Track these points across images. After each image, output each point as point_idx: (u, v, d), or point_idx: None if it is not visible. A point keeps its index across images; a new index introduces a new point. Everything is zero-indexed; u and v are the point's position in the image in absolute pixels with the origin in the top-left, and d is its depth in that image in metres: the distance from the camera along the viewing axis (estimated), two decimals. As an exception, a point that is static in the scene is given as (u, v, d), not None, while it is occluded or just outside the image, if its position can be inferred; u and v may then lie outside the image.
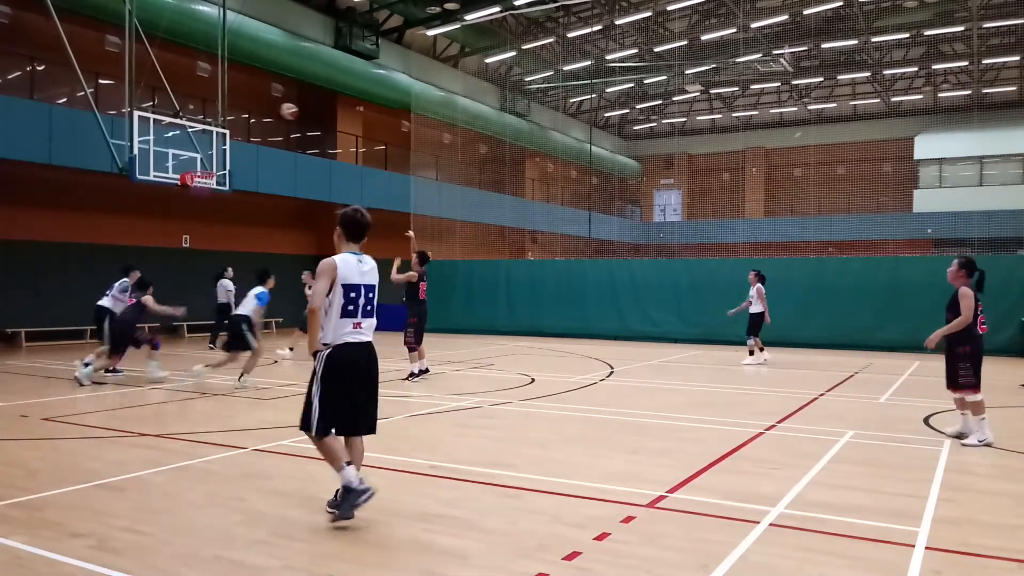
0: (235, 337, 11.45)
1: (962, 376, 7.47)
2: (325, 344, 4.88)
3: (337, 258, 4.92)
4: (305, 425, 4.92)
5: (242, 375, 11.32)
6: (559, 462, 6.62)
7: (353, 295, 4.87)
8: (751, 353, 15.31)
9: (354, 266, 4.92)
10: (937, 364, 14.79)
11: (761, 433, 7.95)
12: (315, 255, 25.72)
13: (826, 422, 8.59)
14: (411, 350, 12.12)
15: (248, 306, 11.61)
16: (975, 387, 7.39)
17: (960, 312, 7.39)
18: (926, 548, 4.43)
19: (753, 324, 15.19)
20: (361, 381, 4.96)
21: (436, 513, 5.08)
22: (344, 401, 4.89)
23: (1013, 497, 5.64)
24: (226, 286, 17.08)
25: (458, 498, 5.46)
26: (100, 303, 12.07)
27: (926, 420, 8.76)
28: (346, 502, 4.78)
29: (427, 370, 12.40)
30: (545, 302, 22.14)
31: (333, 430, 4.90)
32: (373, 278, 5.01)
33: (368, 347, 5.00)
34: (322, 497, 5.42)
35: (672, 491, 5.63)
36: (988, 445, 7.27)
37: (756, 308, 15.16)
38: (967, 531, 4.77)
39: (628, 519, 4.94)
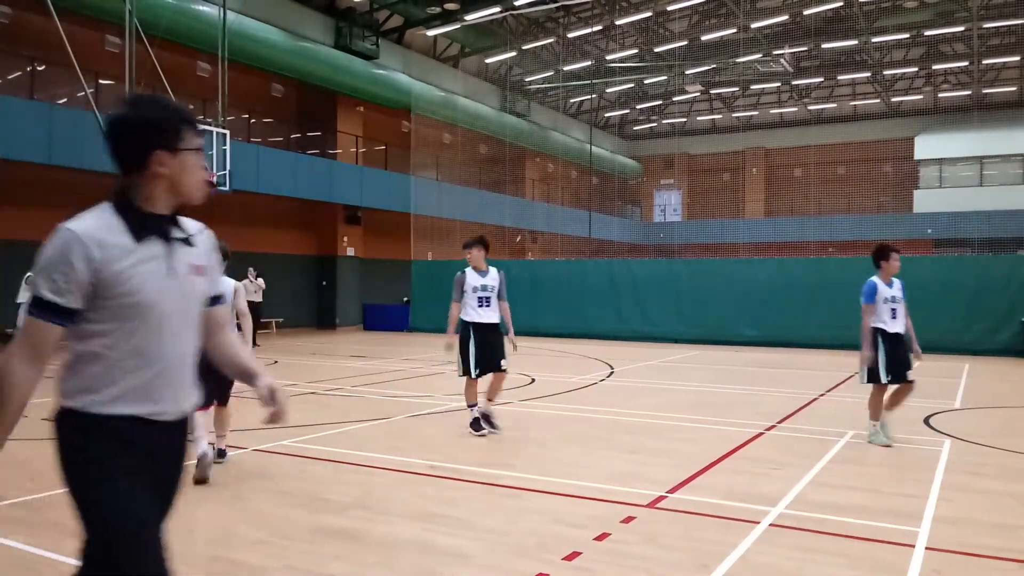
0: None
1: None
2: None
3: None
4: None
5: None
6: (559, 462, 6.62)
7: None
8: None
9: None
10: (936, 365, 14.83)
11: (761, 433, 7.95)
12: (315, 255, 25.79)
13: (826, 422, 8.59)
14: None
15: None
16: None
17: None
18: (926, 548, 4.43)
19: None
20: None
21: (436, 513, 5.08)
22: None
23: (1013, 497, 5.64)
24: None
25: (458, 498, 5.46)
26: None
27: (926, 420, 8.75)
28: None
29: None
30: (545, 302, 22.12)
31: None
32: None
33: None
34: (322, 497, 5.43)
35: (672, 491, 5.63)
36: None
37: None
38: (967, 531, 4.77)
39: (628, 519, 4.95)
